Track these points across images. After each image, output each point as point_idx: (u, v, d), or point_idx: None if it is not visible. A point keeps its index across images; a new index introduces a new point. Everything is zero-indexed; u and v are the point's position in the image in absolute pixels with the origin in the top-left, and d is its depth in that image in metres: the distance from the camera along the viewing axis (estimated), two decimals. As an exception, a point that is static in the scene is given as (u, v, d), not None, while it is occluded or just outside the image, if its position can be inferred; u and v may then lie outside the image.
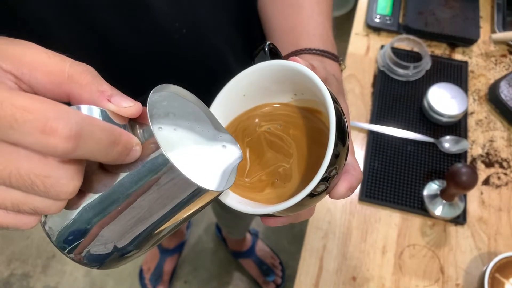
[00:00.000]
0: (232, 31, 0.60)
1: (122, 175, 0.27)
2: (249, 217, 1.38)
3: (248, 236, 1.62)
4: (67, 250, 0.29)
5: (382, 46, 1.00)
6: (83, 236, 0.28)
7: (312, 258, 0.78)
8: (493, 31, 1.03)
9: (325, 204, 0.82)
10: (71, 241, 0.28)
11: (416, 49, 0.99)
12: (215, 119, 0.36)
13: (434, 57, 0.98)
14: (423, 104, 0.90)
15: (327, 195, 0.35)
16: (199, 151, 0.34)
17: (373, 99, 0.94)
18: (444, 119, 0.87)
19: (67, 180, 0.23)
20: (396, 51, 0.98)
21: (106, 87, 0.26)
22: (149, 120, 0.27)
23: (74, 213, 0.27)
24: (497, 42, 1.01)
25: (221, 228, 1.65)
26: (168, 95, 0.32)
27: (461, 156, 0.86)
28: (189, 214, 0.31)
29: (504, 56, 1.00)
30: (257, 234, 1.67)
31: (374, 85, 0.96)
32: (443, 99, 0.88)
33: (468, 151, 0.87)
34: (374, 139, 0.89)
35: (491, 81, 0.96)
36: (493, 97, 0.92)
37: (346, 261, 0.77)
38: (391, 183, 0.84)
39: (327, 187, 0.33)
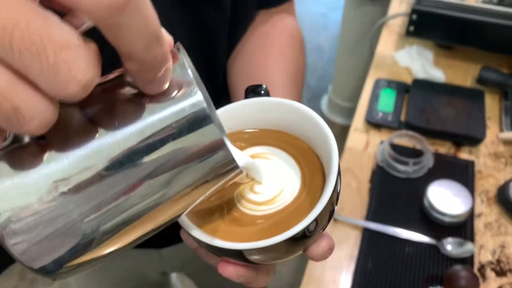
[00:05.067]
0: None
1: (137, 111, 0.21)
2: None
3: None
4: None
5: (382, 142, 0.96)
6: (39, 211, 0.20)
7: None
8: (501, 131, 0.98)
9: (309, 307, 0.72)
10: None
11: (418, 147, 0.95)
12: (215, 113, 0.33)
13: (438, 155, 0.93)
14: (423, 203, 0.83)
15: (303, 251, 0.30)
16: None
17: (370, 195, 0.87)
18: (446, 219, 0.79)
19: (86, 63, 0.16)
20: (396, 148, 0.93)
21: None
22: (183, 57, 0.22)
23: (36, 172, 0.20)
24: (506, 142, 0.95)
25: None
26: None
27: (466, 261, 0.76)
28: (202, 189, 0.25)
29: (514, 157, 0.93)
30: None
31: (372, 180, 0.90)
32: (445, 197, 0.80)
33: (475, 256, 0.77)
34: (369, 238, 0.81)
35: (501, 182, 0.88)
36: (502, 199, 0.84)
37: None
38: (386, 287, 0.74)
39: (309, 236, 0.29)
